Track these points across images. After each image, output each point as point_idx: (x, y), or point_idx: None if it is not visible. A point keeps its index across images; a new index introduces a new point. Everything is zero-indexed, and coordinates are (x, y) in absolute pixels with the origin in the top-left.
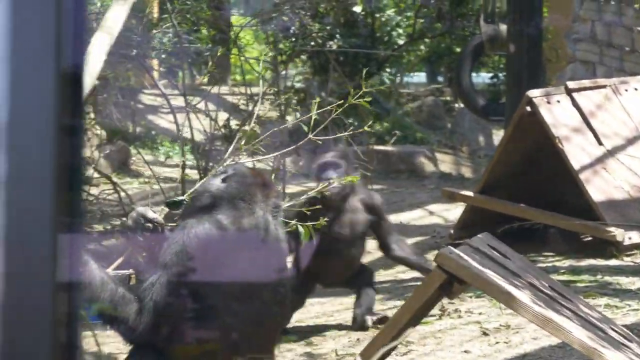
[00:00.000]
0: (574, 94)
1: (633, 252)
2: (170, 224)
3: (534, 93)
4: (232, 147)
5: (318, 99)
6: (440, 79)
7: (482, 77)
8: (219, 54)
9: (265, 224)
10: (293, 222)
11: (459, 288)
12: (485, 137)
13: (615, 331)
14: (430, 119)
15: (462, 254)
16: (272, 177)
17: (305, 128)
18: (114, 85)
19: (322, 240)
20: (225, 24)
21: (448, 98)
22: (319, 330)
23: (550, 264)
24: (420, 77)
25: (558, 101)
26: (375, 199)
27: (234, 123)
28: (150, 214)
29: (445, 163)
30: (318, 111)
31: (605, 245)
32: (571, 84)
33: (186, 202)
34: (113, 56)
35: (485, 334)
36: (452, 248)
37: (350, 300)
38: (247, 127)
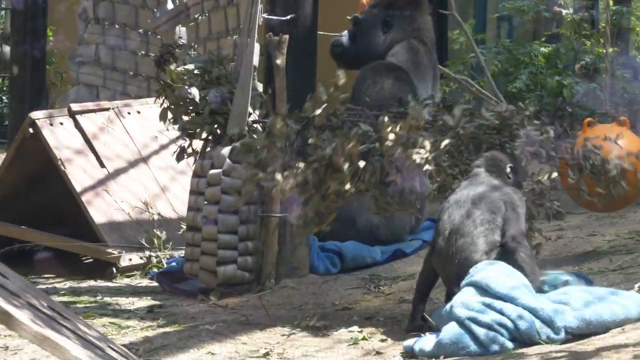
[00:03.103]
0: (78, 117)
1: (133, 273)
2: None
3: (37, 115)
4: None
5: None
6: None
7: None
8: None
9: None
10: None
11: None
12: None
13: (114, 350)
14: None
15: None
16: None
17: None
18: None
19: None
20: None
21: None
22: None
23: (50, 285)
24: None
25: (61, 123)
26: None
27: None
28: None
29: None
30: None
31: (107, 267)
32: (75, 107)
33: None
34: None
35: None
36: None
37: None
38: None
